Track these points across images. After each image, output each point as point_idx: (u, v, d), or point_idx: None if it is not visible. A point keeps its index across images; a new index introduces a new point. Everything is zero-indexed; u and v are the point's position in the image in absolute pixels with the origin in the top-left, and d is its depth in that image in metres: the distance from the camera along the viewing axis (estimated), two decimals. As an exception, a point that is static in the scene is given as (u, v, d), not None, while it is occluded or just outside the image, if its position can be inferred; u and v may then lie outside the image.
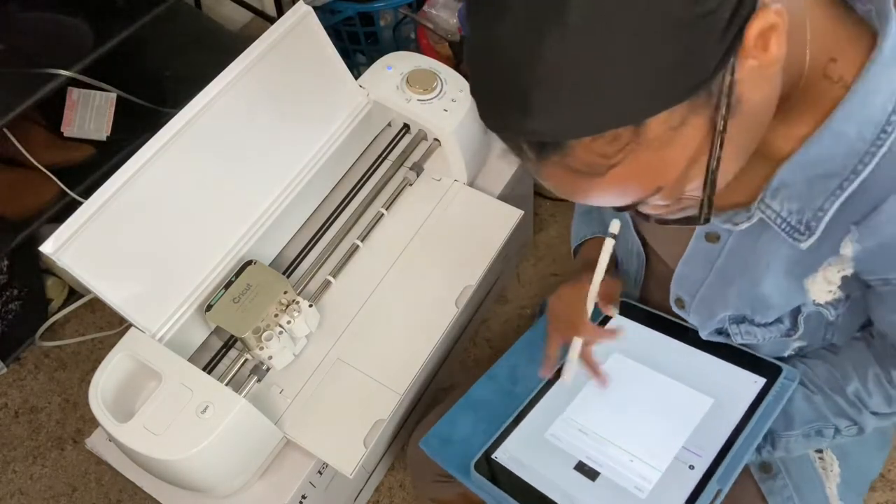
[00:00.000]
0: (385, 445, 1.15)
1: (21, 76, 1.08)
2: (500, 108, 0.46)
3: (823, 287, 0.61)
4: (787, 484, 0.75)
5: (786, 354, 0.74)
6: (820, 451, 0.77)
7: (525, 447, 0.76)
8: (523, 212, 1.09)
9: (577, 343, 0.78)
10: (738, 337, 0.72)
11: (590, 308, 0.75)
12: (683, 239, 0.69)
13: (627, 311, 0.84)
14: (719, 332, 0.74)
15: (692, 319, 0.74)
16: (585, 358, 0.80)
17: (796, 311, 0.67)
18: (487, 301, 1.34)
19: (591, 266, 0.79)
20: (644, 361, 0.79)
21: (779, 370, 0.72)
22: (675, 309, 0.75)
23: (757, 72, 0.44)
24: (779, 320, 0.69)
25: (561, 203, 1.51)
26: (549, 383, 0.82)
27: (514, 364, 0.87)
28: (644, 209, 0.55)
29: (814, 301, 0.63)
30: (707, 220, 0.49)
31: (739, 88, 0.44)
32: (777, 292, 0.64)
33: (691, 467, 0.69)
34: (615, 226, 0.73)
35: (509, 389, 0.84)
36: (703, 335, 0.75)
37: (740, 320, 0.70)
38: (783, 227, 0.58)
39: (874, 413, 0.69)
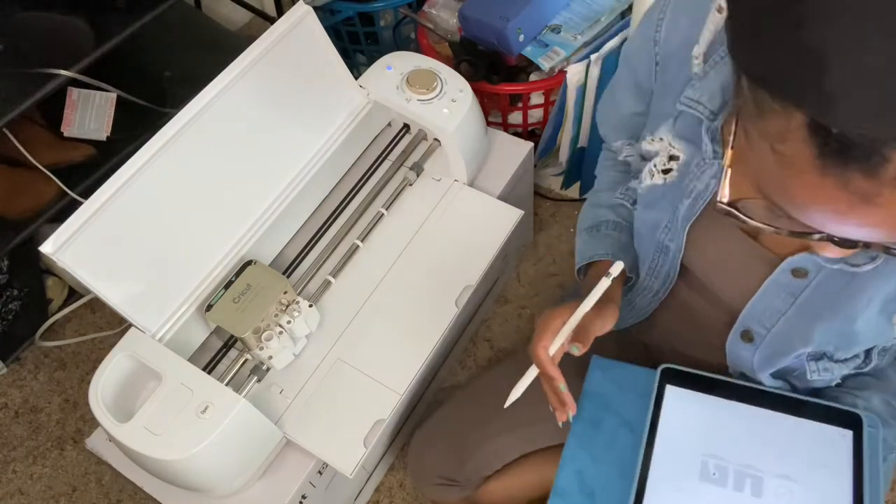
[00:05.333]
0: (385, 445, 1.15)
1: (21, 76, 1.08)
2: None
3: None
4: None
5: (833, 384, 0.72)
6: None
7: None
8: (523, 212, 1.09)
9: (533, 368, 0.71)
10: (815, 374, 0.69)
11: (558, 342, 0.69)
12: (758, 272, 0.65)
13: (676, 378, 0.73)
14: (776, 373, 0.71)
15: (759, 354, 0.70)
16: (549, 385, 0.72)
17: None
18: (487, 301, 1.34)
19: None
20: (730, 448, 0.70)
21: (857, 418, 0.68)
22: (738, 343, 0.70)
23: None
24: (856, 355, 0.67)
25: (561, 203, 1.51)
26: (640, 490, 0.68)
27: (578, 469, 0.74)
28: None
29: None
30: None
31: None
32: (868, 329, 0.62)
33: None
34: (617, 268, 0.68)
35: None
36: (764, 374, 0.71)
37: (819, 357, 0.68)
38: None
39: None
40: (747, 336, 0.70)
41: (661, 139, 0.67)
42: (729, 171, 0.50)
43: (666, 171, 0.67)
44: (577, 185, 1.46)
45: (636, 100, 0.73)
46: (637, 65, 0.70)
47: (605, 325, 0.71)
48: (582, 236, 0.84)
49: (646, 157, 0.70)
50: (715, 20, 0.60)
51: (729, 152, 0.50)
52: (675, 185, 0.67)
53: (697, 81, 0.61)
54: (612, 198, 0.82)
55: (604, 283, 0.67)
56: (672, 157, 0.66)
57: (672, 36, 0.64)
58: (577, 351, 0.69)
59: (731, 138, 0.50)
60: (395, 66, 1.09)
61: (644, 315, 0.81)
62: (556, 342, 0.69)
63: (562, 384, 0.69)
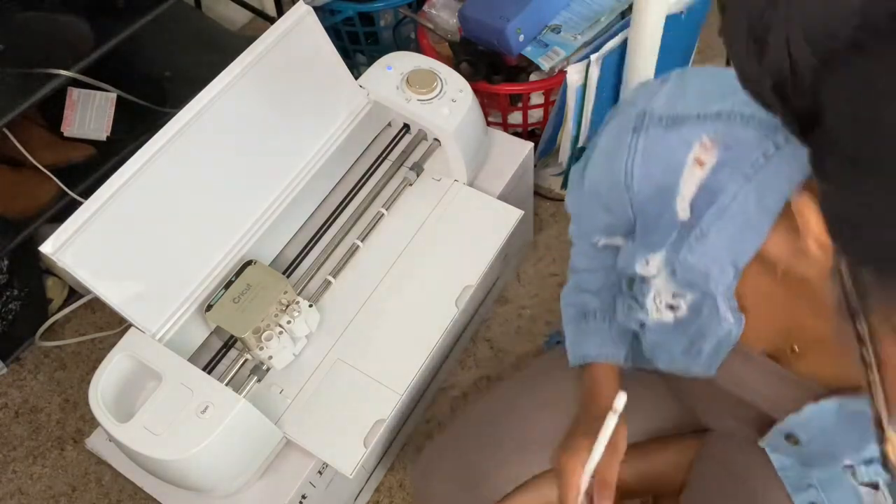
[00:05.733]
0: (385, 445, 1.15)
1: (21, 76, 1.08)
2: None
3: None
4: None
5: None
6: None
7: None
8: (523, 212, 1.09)
9: None
10: (866, 477, 0.66)
11: (582, 490, 0.70)
12: (796, 396, 0.60)
13: None
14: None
15: (805, 456, 0.66)
16: None
17: None
18: (487, 301, 1.34)
19: (598, 405, 0.72)
20: None
21: None
22: (780, 441, 0.66)
23: None
24: None
25: (561, 203, 1.51)
26: None
27: None
28: None
29: None
30: None
31: None
32: None
33: None
34: (621, 401, 0.65)
35: None
36: (813, 472, 0.68)
37: (869, 462, 0.65)
38: None
39: None
40: (792, 439, 0.65)
41: (657, 270, 0.61)
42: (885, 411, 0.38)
43: (672, 308, 0.62)
44: (577, 185, 1.45)
45: (609, 215, 0.68)
46: (608, 199, 0.64)
47: (620, 454, 0.71)
48: (569, 327, 0.80)
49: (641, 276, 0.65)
50: (696, 175, 0.55)
51: (876, 376, 0.38)
52: (687, 321, 0.62)
53: (696, 243, 0.56)
54: (596, 279, 0.78)
55: (611, 421, 0.66)
56: (676, 294, 0.61)
57: (645, 184, 0.59)
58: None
59: (870, 354, 0.38)
60: (395, 66, 1.09)
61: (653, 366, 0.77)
62: (581, 492, 0.70)
63: None
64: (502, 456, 0.86)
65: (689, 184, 0.55)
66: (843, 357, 0.40)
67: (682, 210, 0.57)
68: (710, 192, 0.55)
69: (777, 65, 0.35)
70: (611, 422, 0.66)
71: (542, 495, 0.88)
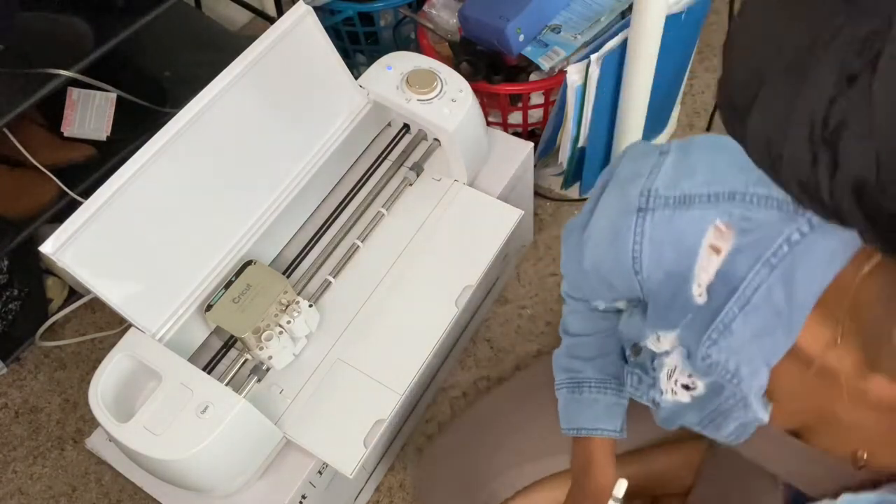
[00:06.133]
0: (385, 445, 1.15)
1: (21, 76, 1.08)
2: None
3: None
4: None
5: None
6: None
7: None
8: (523, 212, 1.09)
9: None
10: None
11: None
12: (830, 479, 0.57)
13: None
14: None
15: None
16: None
17: None
18: (487, 301, 1.34)
19: (592, 482, 0.72)
20: None
21: None
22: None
23: None
24: None
25: (561, 203, 1.51)
26: None
27: None
28: None
29: None
30: None
31: None
32: None
33: None
34: (621, 488, 0.64)
35: None
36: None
37: None
38: None
39: None
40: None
41: (671, 346, 0.58)
42: None
43: (688, 388, 0.60)
44: (577, 186, 1.46)
45: (613, 290, 0.65)
46: (613, 279, 0.61)
47: None
48: (562, 394, 0.78)
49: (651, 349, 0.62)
50: (713, 262, 0.52)
51: None
52: (705, 399, 0.59)
53: (719, 337, 0.53)
54: (591, 347, 0.75)
55: None
56: (693, 374, 0.59)
57: (656, 269, 0.55)
58: None
59: None
60: (395, 66, 1.09)
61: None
62: None
63: None
64: (496, 468, 0.86)
65: (706, 271, 0.52)
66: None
67: (699, 296, 0.53)
68: (729, 279, 0.51)
69: (858, 169, 0.27)
70: None
71: (542, 497, 0.88)
